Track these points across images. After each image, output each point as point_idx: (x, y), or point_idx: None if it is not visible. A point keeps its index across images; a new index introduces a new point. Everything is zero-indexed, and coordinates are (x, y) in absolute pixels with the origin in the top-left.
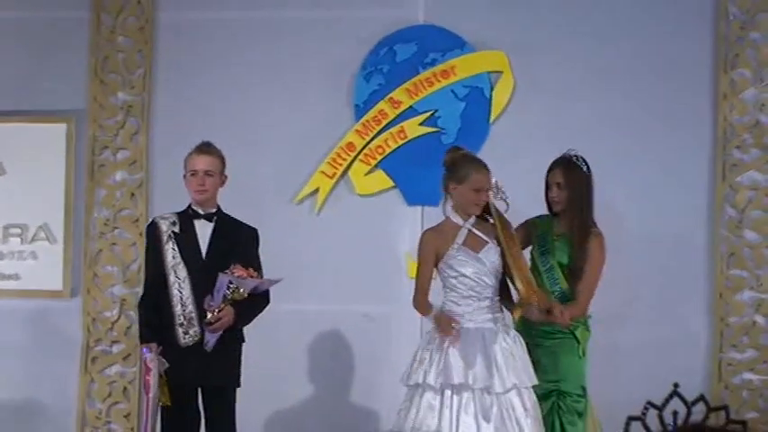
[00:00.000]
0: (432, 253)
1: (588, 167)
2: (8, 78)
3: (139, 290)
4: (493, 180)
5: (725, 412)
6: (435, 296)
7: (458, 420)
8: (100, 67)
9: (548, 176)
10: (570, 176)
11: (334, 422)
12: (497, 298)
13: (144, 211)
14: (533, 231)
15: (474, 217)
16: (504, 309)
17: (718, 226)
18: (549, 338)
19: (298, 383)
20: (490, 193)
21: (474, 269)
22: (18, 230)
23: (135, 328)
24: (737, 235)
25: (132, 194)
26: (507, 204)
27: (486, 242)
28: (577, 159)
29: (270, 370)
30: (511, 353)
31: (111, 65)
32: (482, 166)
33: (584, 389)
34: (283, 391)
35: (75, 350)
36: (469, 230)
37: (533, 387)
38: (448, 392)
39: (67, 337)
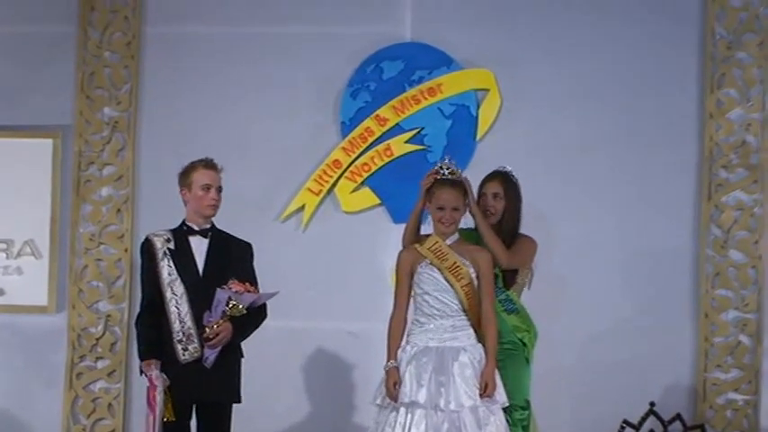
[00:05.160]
0: (407, 270)
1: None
2: None
3: (124, 306)
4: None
5: (701, 431)
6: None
7: None
8: (86, 82)
9: (483, 186)
10: (509, 189)
11: None
12: (465, 317)
13: (130, 227)
14: None
15: (455, 236)
16: (474, 327)
17: (704, 245)
18: (499, 346)
19: (282, 399)
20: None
21: (436, 287)
22: (4, 245)
23: (120, 345)
24: (723, 255)
25: (118, 210)
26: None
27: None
28: (513, 176)
29: (254, 386)
30: (466, 373)
31: (97, 80)
32: (446, 186)
33: (527, 402)
34: (267, 406)
35: (59, 366)
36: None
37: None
38: (402, 410)
39: (52, 352)
